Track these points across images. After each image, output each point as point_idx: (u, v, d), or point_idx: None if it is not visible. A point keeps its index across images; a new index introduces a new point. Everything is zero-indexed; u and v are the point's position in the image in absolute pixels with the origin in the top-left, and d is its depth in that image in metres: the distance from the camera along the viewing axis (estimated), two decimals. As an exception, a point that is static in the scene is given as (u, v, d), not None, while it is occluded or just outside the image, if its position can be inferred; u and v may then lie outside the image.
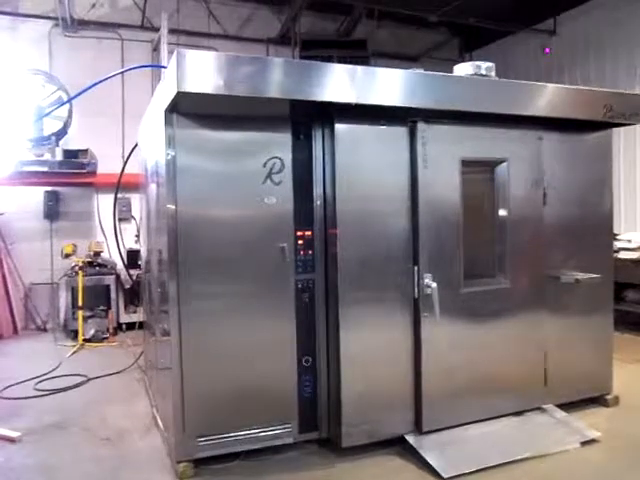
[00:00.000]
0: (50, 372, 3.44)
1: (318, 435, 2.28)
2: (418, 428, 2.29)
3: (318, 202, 2.28)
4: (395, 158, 2.30)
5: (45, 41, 5.18)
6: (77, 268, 4.54)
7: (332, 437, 2.27)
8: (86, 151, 4.79)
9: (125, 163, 3.46)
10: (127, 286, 4.74)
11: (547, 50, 5.91)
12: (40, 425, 2.61)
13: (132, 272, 4.18)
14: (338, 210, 2.21)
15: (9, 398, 3.01)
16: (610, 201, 2.83)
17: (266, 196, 2.18)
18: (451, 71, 2.54)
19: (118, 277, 4.76)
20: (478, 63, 2.51)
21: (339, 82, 2.06)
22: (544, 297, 2.59)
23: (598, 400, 2.74)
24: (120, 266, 4.48)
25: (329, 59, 4.67)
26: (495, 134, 2.49)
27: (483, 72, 2.48)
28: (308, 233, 2.26)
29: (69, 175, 4.70)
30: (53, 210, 5.07)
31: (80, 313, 4.38)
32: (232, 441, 2.13)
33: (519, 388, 2.52)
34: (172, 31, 5.24)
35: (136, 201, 4.68)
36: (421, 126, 2.30)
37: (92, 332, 4.35)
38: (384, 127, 2.28)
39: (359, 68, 2.10)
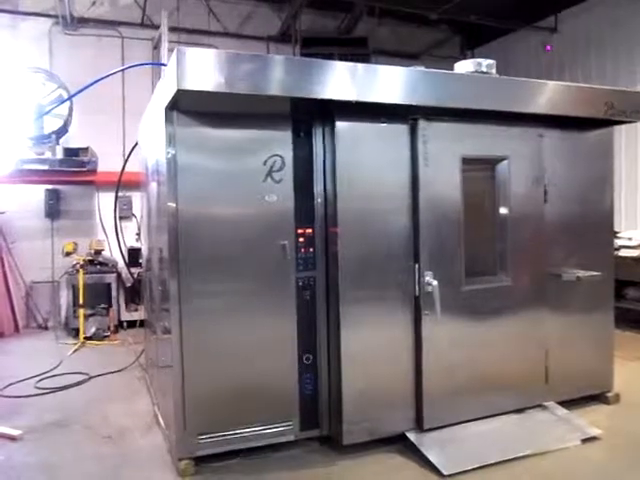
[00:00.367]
0: (51, 370, 3.45)
1: (319, 433, 2.29)
2: (419, 426, 2.30)
3: (319, 200, 2.28)
4: (396, 156, 2.30)
5: (45, 39, 5.18)
6: (78, 266, 4.54)
7: (333, 435, 2.27)
8: (87, 149, 4.79)
9: (126, 161, 3.46)
10: (128, 284, 4.75)
11: (548, 47, 5.89)
12: (41, 423, 2.62)
13: (133, 270, 4.18)
14: (339, 208, 2.21)
15: (10, 396, 3.02)
16: (611, 199, 2.83)
17: (267, 194, 2.17)
18: (452, 69, 2.53)
19: (119, 275, 4.77)
20: (479, 60, 2.50)
21: (340, 80, 2.05)
22: (545, 295, 2.59)
23: (599, 397, 2.74)
24: (121, 264, 4.48)
25: (330, 57, 4.64)
26: (496, 132, 2.48)
27: (484, 69, 2.48)
28: (309, 231, 2.26)
29: (70, 173, 4.70)
30: (54, 208, 5.07)
31: (81, 311, 4.39)
32: (233, 439, 2.14)
33: (520, 385, 2.53)
34: (172, 29, 5.22)
35: (137, 199, 4.68)
36: (422, 124, 2.29)
37: (93, 330, 4.36)
38: (385, 125, 2.28)
39: (360, 66, 2.10)
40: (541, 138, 2.59)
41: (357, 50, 5.40)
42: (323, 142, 2.27)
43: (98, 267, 4.71)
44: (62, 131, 4.74)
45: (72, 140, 4.93)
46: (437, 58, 6.24)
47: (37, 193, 5.03)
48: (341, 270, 2.20)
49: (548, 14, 5.81)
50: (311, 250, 2.26)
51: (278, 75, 1.98)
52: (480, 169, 2.59)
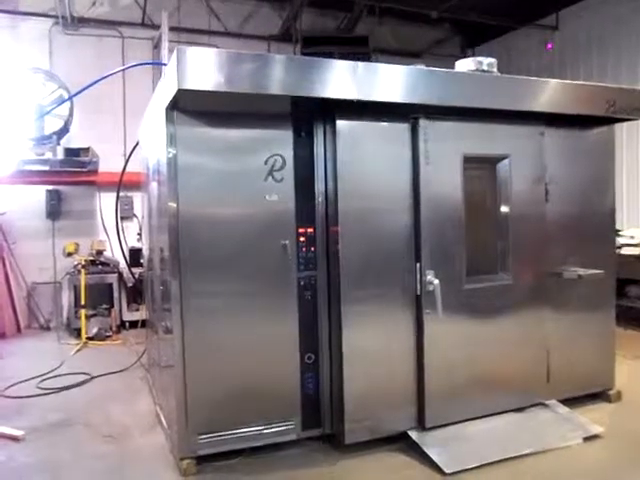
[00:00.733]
0: (53, 370, 3.46)
1: (321, 432, 2.29)
2: (421, 424, 2.30)
3: (320, 199, 2.28)
4: (397, 155, 2.29)
5: (45, 39, 5.18)
6: (79, 267, 4.55)
7: (335, 434, 2.28)
8: (87, 149, 4.79)
9: (126, 161, 3.46)
10: (130, 284, 4.75)
11: (549, 46, 5.88)
12: (44, 423, 2.62)
13: (134, 270, 4.19)
14: (340, 207, 2.20)
15: (13, 397, 3.03)
16: (612, 197, 2.82)
17: (268, 193, 2.17)
18: (453, 67, 2.53)
19: (121, 275, 4.77)
20: (480, 59, 2.50)
21: (340, 78, 2.05)
22: (546, 293, 2.59)
23: (600, 396, 2.74)
24: (123, 264, 4.49)
25: (330, 56, 4.63)
26: (497, 130, 2.48)
27: (485, 68, 2.47)
28: (310, 230, 2.26)
29: (71, 174, 4.71)
30: (55, 209, 5.08)
31: (83, 312, 4.40)
32: (235, 438, 2.14)
33: (522, 384, 2.52)
34: (173, 29, 5.21)
35: (138, 199, 4.68)
36: (423, 122, 2.29)
37: (95, 330, 4.37)
38: (386, 124, 2.27)
39: (360, 64, 2.09)
40: (542, 136, 2.58)
41: (358, 49, 5.39)
42: (324, 141, 2.27)
43: (100, 267, 4.72)
44: (63, 131, 4.74)
45: (73, 140, 4.93)
46: (438, 57, 6.23)
47: (38, 194, 5.04)
48: (342, 269, 2.20)
49: (549, 12, 5.80)
50: (312, 249, 2.26)
51: (279, 74, 1.98)
52: (481, 168, 2.59)
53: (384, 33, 6.19)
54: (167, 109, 2.06)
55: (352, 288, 2.21)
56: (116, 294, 4.71)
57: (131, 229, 4.92)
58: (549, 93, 2.45)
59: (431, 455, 2.12)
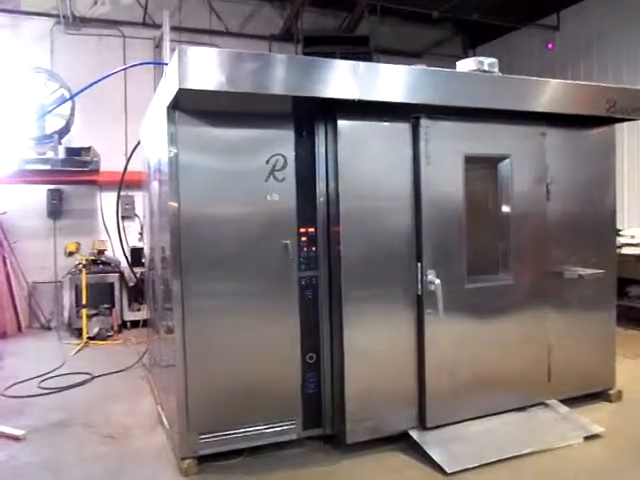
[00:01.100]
0: (54, 370, 3.46)
1: (322, 432, 2.29)
2: (422, 424, 2.30)
3: (321, 199, 2.28)
4: (398, 154, 2.30)
5: (47, 39, 5.18)
6: (81, 266, 4.55)
7: (336, 433, 2.28)
8: (89, 149, 4.79)
9: (128, 161, 3.46)
10: (131, 284, 4.76)
11: (550, 46, 5.87)
12: (45, 423, 2.62)
13: (136, 270, 4.19)
14: (341, 207, 2.21)
15: (14, 396, 3.03)
16: (613, 197, 2.82)
17: (269, 193, 2.17)
18: (454, 67, 2.53)
19: (122, 275, 4.77)
20: (481, 59, 2.50)
21: (342, 78, 2.05)
22: (547, 293, 2.59)
23: (601, 395, 2.74)
24: (124, 264, 4.49)
25: (332, 55, 4.64)
26: (498, 130, 2.47)
27: (486, 68, 2.47)
28: (311, 230, 2.26)
29: (72, 173, 4.71)
30: (56, 208, 5.09)
31: (84, 311, 4.40)
32: (236, 438, 2.14)
33: (522, 384, 2.52)
34: (174, 28, 5.23)
35: (139, 199, 4.69)
36: (424, 122, 2.29)
37: (96, 330, 4.37)
38: (387, 123, 2.27)
39: (362, 64, 2.09)
40: (543, 136, 2.58)
41: (359, 49, 5.39)
42: (325, 141, 2.27)
43: (101, 267, 4.72)
44: (64, 131, 4.74)
45: (74, 140, 4.94)
46: (439, 57, 6.23)
47: (39, 193, 5.05)
48: (344, 269, 2.20)
49: (550, 12, 5.79)
50: (313, 249, 2.26)
51: (280, 74, 1.98)
52: (482, 167, 2.59)
53: (385, 33, 6.19)
54: (168, 108, 2.06)
55: (353, 288, 2.21)
56: (117, 294, 4.71)
57: (132, 228, 4.93)
58: (550, 93, 2.45)
59: (432, 455, 2.13)
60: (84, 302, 4.42)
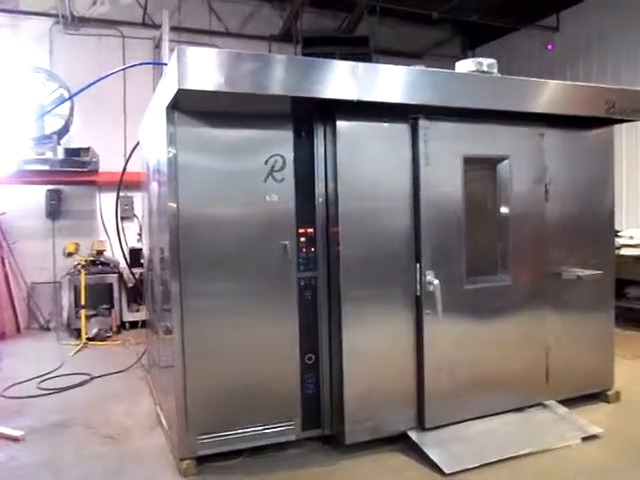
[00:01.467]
0: (53, 371, 3.45)
1: (321, 432, 2.29)
2: (421, 425, 2.30)
3: (320, 200, 2.28)
4: (397, 155, 2.30)
5: (46, 39, 5.18)
6: (80, 267, 4.55)
7: (335, 434, 2.28)
8: (88, 149, 4.79)
9: (127, 161, 3.46)
10: (130, 285, 4.75)
11: (550, 47, 5.88)
12: (44, 424, 2.62)
13: (135, 270, 4.19)
14: (340, 207, 2.21)
15: (12, 397, 3.02)
16: (612, 197, 2.82)
17: (268, 194, 2.17)
18: (454, 68, 2.53)
19: (121, 276, 4.77)
20: (480, 60, 2.50)
21: (341, 79, 2.05)
22: (546, 294, 2.59)
23: (599, 396, 2.75)
24: (123, 265, 4.49)
25: (331, 56, 4.65)
26: (497, 131, 2.48)
27: (485, 69, 2.47)
28: (310, 231, 2.26)
29: (71, 174, 4.71)
30: (55, 209, 5.08)
31: (83, 312, 4.40)
32: (235, 438, 2.14)
33: (521, 384, 2.53)
34: (173, 28, 5.23)
35: (138, 199, 4.68)
36: (423, 123, 2.29)
37: (95, 331, 4.36)
38: (386, 124, 2.28)
39: (361, 65, 2.10)
40: (542, 137, 2.58)
41: (358, 50, 5.40)
42: (324, 142, 2.27)
43: (100, 267, 4.72)
44: (63, 131, 4.74)
45: (73, 140, 4.93)
46: (439, 57, 6.23)
47: (38, 193, 5.04)
48: (343, 270, 2.20)
49: (549, 13, 5.80)
50: (312, 250, 2.26)
51: (279, 74, 1.98)
52: (481, 168, 2.59)
53: (385, 34, 6.19)
54: (167, 109, 2.06)
55: (352, 288, 2.22)
56: (116, 294, 4.71)
57: (131, 229, 4.92)
58: (549, 94, 2.46)
59: (431, 455, 2.13)
60: (83, 303, 4.42)
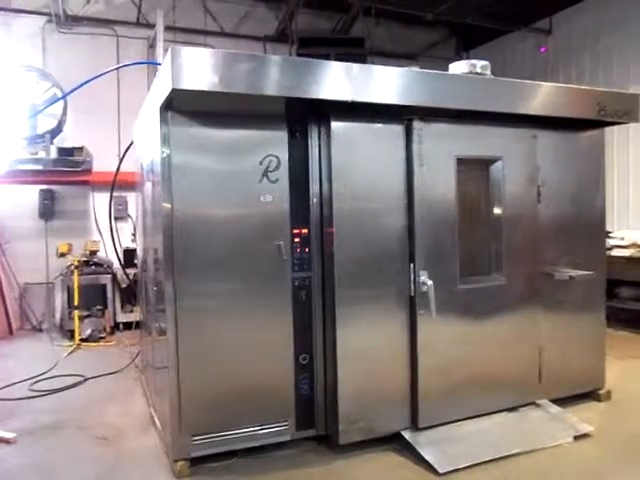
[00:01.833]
0: (46, 372, 3.42)
1: (315, 432, 2.29)
2: (414, 424, 2.31)
3: (314, 200, 2.28)
4: (391, 156, 2.31)
5: (39, 37, 5.13)
6: (73, 267, 4.51)
7: (329, 434, 2.28)
8: (81, 149, 4.75)
9: (121, 161, 3.44)
10: (124, 285, 4.72)
11: (543, 49, 5.95)
12: (36, 426, 2.60)
13: (129, 271, 4.16)
14: (334, 208, 2.21)
15: (4, 399, 2.99)
16: (603, 199, 2.86)
17: (262, 194, 2.17)
18: (448, 70, 2.55)
19: (115, 276, 4.73)
20: (473, 61, 2.52)
21: (335, 80, 2.06)
22: (539, 294, 2.62)
23: (591, 395, 2.78)
24: (117, 265, 4.46)
25: (326, 57, 4.66)
26: (490, 132, 2.50)
27: (478, 70, 2.50)
28: (304, 231, 2.26)
29: (64, 173, 4.67)
30: (48, 209, 5.03)
31: (76, 313, 4.36)
32: (229, 439, 2.13)
33: (514, 384, 2.55)
34: (168, 28, 5.21)
35: (132, 199, 4.66)
36: (417, 124, 2.31)
37: (88, 332, 4.33)
38: (380, 125, 2.29)
39: (355, 66, 2.11)
40: (535, 139, 2.61)
41: (354, 50, 5.41)
42: (319, 142, 2.27)
43: (93, 268, 4.68)
44: (56, 131, 4.70)
45: (66, 140, 4.89)
46: (433, 59, 6.27)
47: (31, 193, 4.99)
48: (337, 270, 2.21)
49: (543, 16, 5.87)
50: (307, 250, 2.27)
51: (273, 75, 1.98)
52: (475, 169, 2.61)
53: (380, 35, 6.22)
54: (161, 109, 2.06)
55: (346, 289, 2.22)
56: (110, 295, 4.67)
57: (125, 229, 4.90)
58: (541, 96, 2.48)
59: (424, 455, 2.14)
60: (76, 303, 4.38)
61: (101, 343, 4.31)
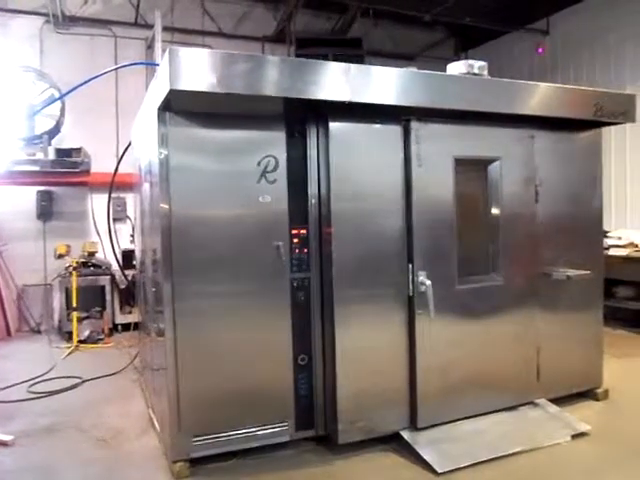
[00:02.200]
0: (44, 374, 3.41)
1: (314, 433, 2.29)
2: (413, 424, 2.31)
3: (313, 201, 2.28)
4: (389, 156, 2.31)
5: (36, 38, 5.12)
6: (71, 269, 4.49)
7: (329, 434, 2.28)
8: (79, 150, 4.74)
9: (119, 162, 3.43)
10: (122, 286, 4.70)
11: (540, 50, 5.97)
12: (34, 428, 2.59)
13: (127, 272, 4.15)
14: (333, 208, 2.22)
15: (2, 402, 2.97)
16: (600, 199, 2.87)
17: (261, 195, 2.17)
18: (446, 70, 2.56)
19: (113, 277, 4.72)
20: (471, 62, 2.53)
21: (333, 80, 2.06)
22: (536, 294, 2.63)
23: (589, 394, 2.79)
24: (115, 266, 4.44)
25: (324, 57, 4.66)
26: (488, 133, 2.51)
27: (476, 71, 2.50)
28: (303, 232, 2.26)
29: (62, 174, 4.65)
30: (46, 210, 5.02)
31: (74, 314, 4.34)
32: (228, 440, 2.13)
33: (513, 383, 2.56)
34: (166, 29, 5.20)
35: (131, 200, 4.65)
36: (415, 124, 2.31)
37: (87, 333, 4.32)
38: (378, 125, 2.29)
39: (353, 66, 2.11)
40: (532, 139, 2.62)
41: (352, 51, 5.42)
42: (317, 143, 2.27)
43: (91, 269, 4.66)
44: (54, 131, 4.68)
45: (64, 141, 4.88)
46: (432, 59, 6.28)
47: (29, 194, 4.97)
48: (335, 270, 2.21)
49: (540, 17, 5.89)
50: (305, 251, 2.27)
51: (272, 75, 1.99)
52: (473, 170, 2.62)
53: (379, 35, 6.23)
54: (159, 109, 2.05)
55: (345, 289, 2.22)
56: (108, 296, 4.66)
57: (124, 231, 4.88)
58: (539, 97, 2.49)
59: (423, 455, 2.14)
60: (74, 305, 4.36)
61: (99, 344, 4.30)
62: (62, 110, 4.65)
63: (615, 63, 5.19)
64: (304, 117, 2.26)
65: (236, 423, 2.15)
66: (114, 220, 4.18)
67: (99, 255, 4.88)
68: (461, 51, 6.97)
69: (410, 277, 2.31)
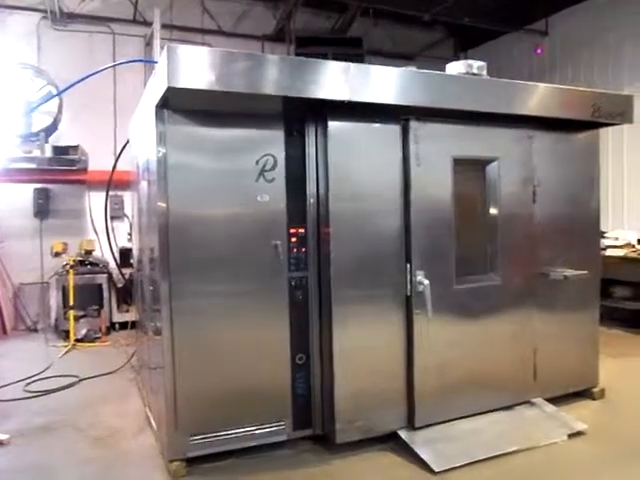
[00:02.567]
0: (41, 373, 3.39)
1: (312, 432, 2.29)
2: (411, 424, 2.32)
3: (311, 200, 2.28)
4: (388, 156, 2.31)
5: (34, 34, 5.08)
6: (68, 267, 4.47)
7: (326, 434, 2.28)
8: (76, 147, 4.71)
9: (117, 160, 3.42)
10: (119, 285, 4.69)
11: (539, 51, 5.99)
12: (30, 427, 2.58)
13: (125, 271, 4.14)
14: (331, 208, 2.21)
15: (-2, 399, 2.97)
16: (598, 199, 2.88)
17: (259, 194, 2.17)
18: (445, 70, 2.56)
19: (110, 276, 4.70)
20: (470, 62, 2.53)
21: (332, 79, 2.06)
22: (534, 293, 2.64)
23: (585, 393, 2.81)
24: (112, 265, 4.43)
25: (324, 57, 4.65)
26: (486, 133, 2.51)
27: (475, 71, 2.51)
28: (301, 231, 2.26)
29: (59, 172, 4.62)
30: (43, 208, 4.99)
31: (71, 313, 4.33)
32: (225, 439, 2.13)
33: (509, 383, 2.57)
34: (165, 26, 5.18)
35: (128, 199, 4.63)
36: (414, 124, 2.31)
37: (84, 332, 4.30)
38: (377, 125, 2.29)
39: (352, 65, 2.11)
40: (530, 139, 2.63)
41: (351, 50, 5.42)
42: (315, 142, 2.27)
43: (89, 267, 4.64)
44: (51, 129, 4.65)
45: (62, 138, 4.85)
46: (431, 59, 6.28)
47: (25, 192, 4.94)
48: (333, 270, 2.21)
49: (539, 17, 5.90)
50: (303, 250, 2.27)
51: (271, 74, 1.98)
52: (471, 169, 2.62)
53: (378, 35, 6.23)
54: (157, 107, 2.04)
55: (343, 288, 2.22)
56: (106, 295, 4.64)
57: (121, 229, 4.86)
58: (537, 97, 2.50)
59: (421, 454, 2.15)
60: (71, 303, 4.35)
61: (97, 343, 4.28)
62: (59, 107, 4.62)
63: (613, 64, 5.21)
64: (303, 116, 2.25)
65: (233, 422, 2.14)
66: (111, 218, 4.17)
67: (96, 253, 4.86)
68: (460, 51, 6.98)
69: (408, 277, 2.31)
